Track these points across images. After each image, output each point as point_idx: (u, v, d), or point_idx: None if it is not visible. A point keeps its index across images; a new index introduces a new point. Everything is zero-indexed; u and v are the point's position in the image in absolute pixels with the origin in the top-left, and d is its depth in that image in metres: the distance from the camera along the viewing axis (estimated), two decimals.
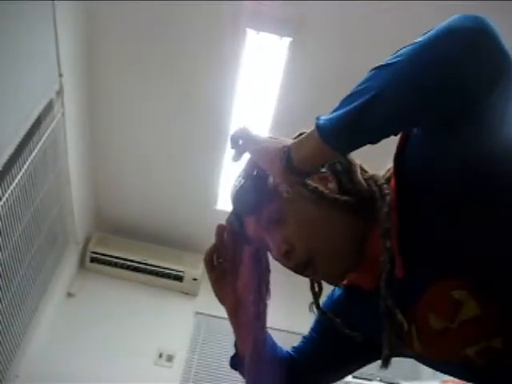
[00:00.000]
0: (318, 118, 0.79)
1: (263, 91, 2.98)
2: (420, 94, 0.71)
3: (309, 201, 0.91)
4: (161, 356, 3.76)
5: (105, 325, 3.76)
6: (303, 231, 0.91)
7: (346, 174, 0.95)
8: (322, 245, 0.90)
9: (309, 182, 0.91)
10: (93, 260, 3.99)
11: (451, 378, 2.96)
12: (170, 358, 3.76)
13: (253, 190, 0.93)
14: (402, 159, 0.86)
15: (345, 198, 0.91)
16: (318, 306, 1.04)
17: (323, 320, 1.09)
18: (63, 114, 2.77)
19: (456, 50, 0.69)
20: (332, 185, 0.93)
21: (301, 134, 0.98)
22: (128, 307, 3.89)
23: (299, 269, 0.93)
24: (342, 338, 1.03)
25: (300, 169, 0.82)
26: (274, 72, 2.84)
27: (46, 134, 2.60)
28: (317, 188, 0.91)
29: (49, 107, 2.56)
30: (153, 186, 3.80)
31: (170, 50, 2.89)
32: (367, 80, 0.76)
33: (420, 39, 0.73)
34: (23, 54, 2.16)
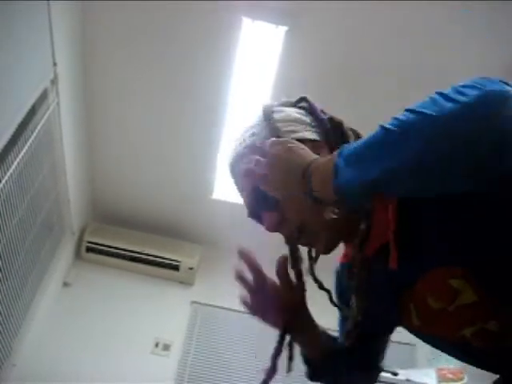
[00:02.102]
0: (336, 166, 0.77)
1: (259, 80, 2.97)
2: (451, 172, 0.69)
3: None
4: (157, 345, 3.76)
5: (101, 314, 3.76)
6: (293, 205, 0.92)
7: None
8: (310, 217, 0.91)
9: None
10: (89, 250, 3.99)
11: (446, 366, 2.97)
12: (166, 347, 3.77)
13: (262, 197, 0.94)
14: None
15: None
16: (312, 273, 1.05)
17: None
18: (58, 103, 2.76)
19: (494, 131, 0.66)
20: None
21: (301, 99, 1.03)
22: (124, 297, 3.89)
23: (292, 238, 0.99)
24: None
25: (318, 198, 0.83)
26: (270, 61, 2.83)
27: (41, 123, 2.58)
28: None
29: (43, 96, 2.55)
30: (149, 176, 3.79)
31: (165, 39, 2.88)
32: (400, 128, 0.72)
33: (459, 98, 0.68)
34: (17, 43, 2.14)
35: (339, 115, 1.04)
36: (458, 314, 0.85)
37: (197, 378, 3.70)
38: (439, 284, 0.84)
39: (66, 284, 3.87)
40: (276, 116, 1.00)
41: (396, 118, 0.72)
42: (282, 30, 2.66)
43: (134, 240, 4.03)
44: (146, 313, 3.84)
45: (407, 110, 0.72)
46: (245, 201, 1.01)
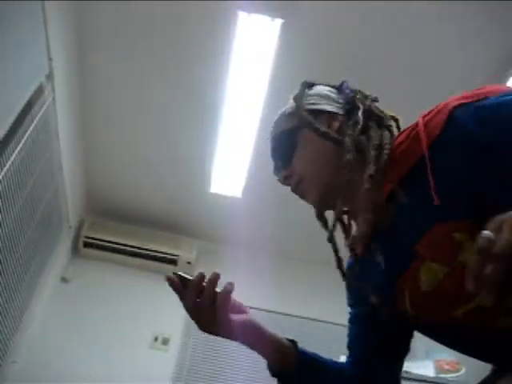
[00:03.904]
0: None
1: (256, 73, 2.96)
2: None
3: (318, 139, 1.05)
4: (156, 339, 3.78)
5: (100, 309, 3.77)
6: (304, 162, 1.08)
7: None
8: (310, 172, 1.07)
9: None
10: (86, 245, 3.99)
11: (444, 358, 2.98)
12: (165, 342, 3.78)
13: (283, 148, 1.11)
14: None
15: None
16: (331, 238, 1.07)
17: (355, 313, 1.16)
18: (54, 98, 2.75)
19: None
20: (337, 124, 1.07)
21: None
22: (122, 291, 3.90)
23: (292, 188, 1.11)
24: (378, 320, 1.05)
25: None
26: (266, 54, 2.82)
27: (37, 118, 2.57)
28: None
29: (39, 91, 2.53)
30: (146, 170, 3.79)
31: (161, 33, 2.86)
32: None
33: None
34: (12, 38, 2.13)
35: None
36: (451, 292, 0.85)
37: (195, 372, 3.72)
38: (441, 238, 0.85)
39: (64, 279, 3.88)
40: (308, 91, 1.12)
41: None
42: (277, 23, 2.65)
43: (131, 234, 4.03)
44: (145, 307, 3.85)
45: None
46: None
